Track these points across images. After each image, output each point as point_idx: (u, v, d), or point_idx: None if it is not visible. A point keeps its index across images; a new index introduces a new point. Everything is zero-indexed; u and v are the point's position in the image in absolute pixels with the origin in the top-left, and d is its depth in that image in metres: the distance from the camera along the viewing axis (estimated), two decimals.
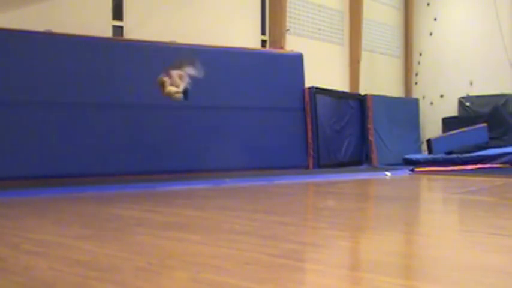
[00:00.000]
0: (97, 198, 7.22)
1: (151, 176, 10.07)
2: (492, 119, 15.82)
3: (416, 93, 18.44)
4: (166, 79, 8.51)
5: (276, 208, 6.39)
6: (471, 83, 17.38)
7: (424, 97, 18.16)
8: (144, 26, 11.17)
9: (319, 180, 10.74)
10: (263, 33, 13.79)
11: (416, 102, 17.50)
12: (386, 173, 11.94)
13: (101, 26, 10.55)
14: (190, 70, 8.82)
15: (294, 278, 3.02)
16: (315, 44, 15.03)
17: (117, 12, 10.97)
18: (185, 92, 8.65)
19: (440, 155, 14.25)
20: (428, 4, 18.42)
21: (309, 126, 12.75)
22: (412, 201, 7.61)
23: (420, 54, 18.60)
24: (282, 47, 13.28)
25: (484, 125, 15.60)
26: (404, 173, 12.46)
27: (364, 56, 16.45)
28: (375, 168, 13.67)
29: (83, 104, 9.74)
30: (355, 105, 14.66)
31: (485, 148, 14.60)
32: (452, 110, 17.61)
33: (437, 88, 18.02)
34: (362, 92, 15.65)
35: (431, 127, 17.84)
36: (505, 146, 14.47)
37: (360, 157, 14.64)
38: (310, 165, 12.69)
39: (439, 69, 18.05)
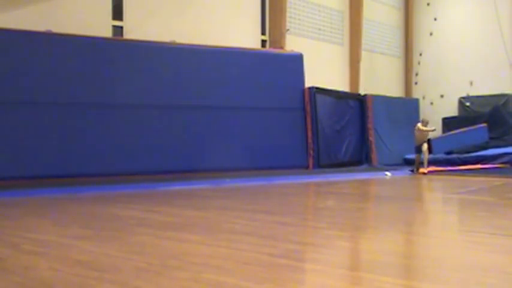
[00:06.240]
0: (97, 198, 7.22)
1: (151, 176, 10.08)
2: (492, 119, 15.83)
3: (416, 93, 18.44)
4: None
5: (276, 208, 6.39)
6: (471, 83, 17.39)
7: (424, 97, 18.17)
8: (144, 26, 11.17)
9: (319, 180, 10.74)
10: (263, 33, 13.79)
11: (416, 102, 17.50)
12: (386, 173, 11.94)
13: (101, 26, 10.55)
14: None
15: (294, 278, 3.02)
16: (315, 44, 15.04)
17: (117, 12, 10.97)
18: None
19: (440, 155, 14.25)
20: (428, 4, 18.43)
21: (309, 126, 12.75)
22: (412, 201, 7.61)
23: (420, 54, 18.60)
24: (282, 47, 13.28)
25: (484, 125, 15.60)
26: (405, 173, 12.47)
27: (364, 56, 16.46)
28: (375, 168, 13.67)
29: (83, 104, 9.74)
30: (355, 105, 14.66)
31: (485, 148, 14.60)
32: (452, 110, 17.62)
33: (437, 88, 18.03)
34: (362, 92, 15.66)
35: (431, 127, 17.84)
36: (505, 146, 14.48)
37: (360, 157, 14.65)
38: (310, 165, 12.69)
39: (439, 69, 18.06)
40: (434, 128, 12.55)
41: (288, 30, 13.79)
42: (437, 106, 17.89)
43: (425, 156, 12.19)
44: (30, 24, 9.42)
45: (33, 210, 6.12)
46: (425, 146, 12.16)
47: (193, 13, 12.06)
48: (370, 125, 14.75)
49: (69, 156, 9.44)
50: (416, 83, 18.65)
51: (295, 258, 3.52)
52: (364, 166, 14.31)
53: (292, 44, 13.62)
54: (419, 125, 12.49)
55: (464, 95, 17.48)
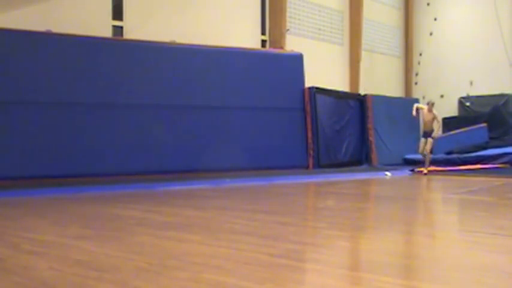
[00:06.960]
0: (97, 198, 7.22)
1: (151, 176, 10.08)
2: (492, 119, 15.83)
3: (416, 93, 18.44)
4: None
5: (276, 208, 6.39)
6: (471, 83, 17.39)
7: (424, 97, 18.15)
8: (144, 26, 11.17)
9: (319, 180, 10.74)
10: (263, 33, 13.79)
11: (416, 102, 17.48)
12: (386, 173, 11.94)
13: (101, 26, 10.55)
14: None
15: (294, 278, 3.02)
16: (315, 44, 15.04)
17: (117, 12, 10.97)
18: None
19: (440, 155, 14.25)
20: (428, 4, 18.43)
21: (309, 126, 12.75)
22: (412, 201, 7.61)
23: (420, 54, 18.60)
24: (282, 47, 13.28)
25: (484, 125, 15.60)
26: (404, 173, 12.46)
27: (364, 56, 16.46)
28: (375, 168, 13.67)
29: (83, 103, 9.73)
30: (355, 105, 14.66)
31: (485, 148, 14.59)
32: (452, 110, 17.62)
33: (437, 88, 18.02)
34: (362, 92, 15.66)
35: None
36: (505, 146, 14.47)
37: (360, 157, 14.64)
38: (310, 165, 12.69)
39: (439, 69, 18.06)
40: (415, 118, 12.41)
41: (288, 30, 13.79)
42: (437, 106, 17.81)
43: (428, 156, 12.12)
44: (30, 24, 9.42)
45: (33, 210, 6.12)
46: (428, 147, 11.95)
47: (193, 13, 12.06)
48: (370, 125, 14.75)
49: (69, 156, 9.44)
50: (416, 83, 18.66)
51: (295, 258, 3.52)
52: (364, 166, 14.31)
53: (292, 44, 13.62)
54: (416, 107, 12.41)
55: (464, 95, 17.49)
